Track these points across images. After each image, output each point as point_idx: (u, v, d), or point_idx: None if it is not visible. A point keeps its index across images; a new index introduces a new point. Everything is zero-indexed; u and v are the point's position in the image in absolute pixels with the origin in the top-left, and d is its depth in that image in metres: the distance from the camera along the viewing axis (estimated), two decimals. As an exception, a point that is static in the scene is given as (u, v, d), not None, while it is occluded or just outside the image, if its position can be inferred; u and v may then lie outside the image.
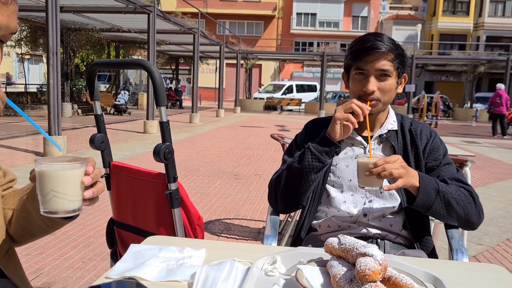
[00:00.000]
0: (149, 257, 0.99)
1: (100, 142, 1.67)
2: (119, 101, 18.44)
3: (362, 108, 1.46)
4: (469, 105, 27.87)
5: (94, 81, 1.63)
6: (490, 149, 12.04)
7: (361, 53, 1.54)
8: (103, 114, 1.71)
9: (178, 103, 25.73)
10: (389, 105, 1.66)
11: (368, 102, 1.50)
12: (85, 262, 3.27)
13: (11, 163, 6.72)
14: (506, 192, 6.43)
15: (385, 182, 1.45)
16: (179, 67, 29.44)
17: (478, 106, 26.76)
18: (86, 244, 3.64)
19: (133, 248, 1.04)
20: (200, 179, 6.31)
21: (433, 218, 1.59)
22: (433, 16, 36.60)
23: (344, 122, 1.48)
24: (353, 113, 1.47)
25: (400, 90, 1.63)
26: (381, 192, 1.58)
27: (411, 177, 1.43)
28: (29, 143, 9.06)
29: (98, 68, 1.58)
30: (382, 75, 1.54)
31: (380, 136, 1.64)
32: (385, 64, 1.53)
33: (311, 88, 30.44)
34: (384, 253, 1.55)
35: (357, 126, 1.49)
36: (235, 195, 5.48)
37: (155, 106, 1.40)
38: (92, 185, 0.98)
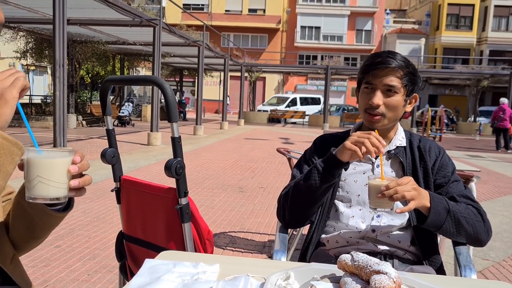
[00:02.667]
0: (164, 272, 1.01)
1: (111, 157, 1.69)
2: (123, 112, 18.54)
3: (378, 147, 1.41)
4: (472, 119, 27.89)
5: (107, 97, 1.66)
6: (494, 163, 12.01)
7: (370, 67, 1.57)
8: (114, 129, 1.74)
9: (182, 115, 25.83)
10: (398, 122, 1.68)
11: (383, 148, 1.44)
12: (91, 274, 3.27)
13: (14, 174, 6.74)
14: (511, 207, 6.41)
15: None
16: (183, 79, 29.62)
17: (482, 120, 26.77)
18: (91, 256, 3.65)
19: (148, 263, 1.05)
20: (205, 192, 6.31)
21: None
22: (437, 30, 36.78)
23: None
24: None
25: (408, 109, 1.64)
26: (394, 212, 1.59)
27: (423, 198, 1.43)
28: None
29: (111, 84, 1.61)
30: (389, 90, 1.56)
31: (388, 152, 1.65)
32: (393, 80, 1.55)
33: (315, 101, 30.52)
34: (393, 269, 1.56)
35: (364, 160, 1.49)
36: (240, 208, 5.48)
37: (167, 120, 1.41)
38: (80, 176, 1.00)
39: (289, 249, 3.80)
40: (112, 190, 1.81)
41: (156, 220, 1.66)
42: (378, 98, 1.55)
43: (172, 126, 1.50)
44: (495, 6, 35.41)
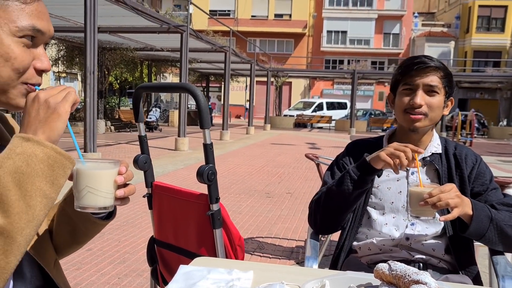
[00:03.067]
0: (199, 278, 1.01)
1: (143, 163, 1.71)
2: (150, 118, 18.81)
3: (409, 161, 1.39)
4: (505, 123, 27.15)
5: (140, 104, 1.68)
6: (528, 168, 11.64)
7: (410, 67, 1.55)
8: (147, 135, 1.76)
9: (208, 120, 25.97)
10: (434, 128, 1.65)
11: (417, 161, 1.43)
12: (121, 278, 3.32)
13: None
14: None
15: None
16: (210, 85, 29.88)
17: (515, 124, 26.03)
18: (121, 260, 3.70)
19: (182, 269, 1.06)
20: (232, 197, 6.33)
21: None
22: (467, 33, 36.03)
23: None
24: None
25: (446, 112, 1.62)
26: (436, 220, 1.56)
27: (466, 206, 1.40)
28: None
29: (143, 91, 1.63)
30: (430, 91, 1.54)
31: (423, 159, 1.62)
32: (434, 80, 1.53)
33: (341, 106, 30.31)
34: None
35: (398, 173, 1.47)
36: (267, 214, 5.47)
37: (194, 125, 1.43)
38: (124, 186, 1.03)
39: (318, 255, 3.77)
40: (144, 196, 1.83)
41: (188, 226, 1.68)
42: (421, 98, 1.53)
43: (204, 133, 1.51)
44: (528, 7, 34.47)
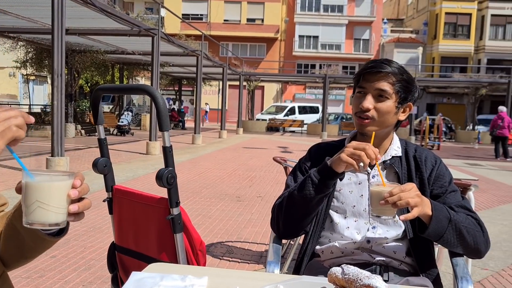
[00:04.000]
0: (151, 285, 0.98)
1: (103, 166, 1.67)
2: (122, 122, 18.55)
3: (373, 160, 1.39)
4: (471, 127, 27.93)
5: (99, 106, 1.64)
6: (493, 171, 11.99)
7: (364, 71, 1.57)
8: (106, 138, 1.72)
9: (180, 124, 25.85)
10: (394, 132, 1.66)
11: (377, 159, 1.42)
12: (86, 285, 3.24)
13: (14, 183, 6.72)
14: (510, 216, 6.38)
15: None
16: (182, 88, 29.67)
17: (481, 128, 26.82)
18: (87, 267, 3.61)
19: (134, 276, 1.03)
20: (202, 201, 6.28)
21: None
22: (434, 39, 36.94)
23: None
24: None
25: (402, 117, 1.62)
26: (395, 221, 1.56)
27: (425, 206, 1.41)
28: (32, 163, 9.08)
29: (102, 93, 1.59)
30: (381, 95, 1.55)
31: (384, 162, 1.63)
32: (385, 85, 1.54)
33: (313, 110, 30.58)
34: (388, 280, 1.53)
35: (360, 172, 1.47)
36: (237, 218, 5.45)
37: (159, 129, 1.40)
38: (79, 200, 0.97)
39: (286, 259, 3.77)
40: (104, 200, 1.79)
41: (148, 231, 1.64)
42: (368, 102, 1.54)
43: (163, 135, 1.48)
44: (492, 15, 35.61)
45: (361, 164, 1.39)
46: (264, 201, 6.49)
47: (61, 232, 1.09)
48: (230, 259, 3.99)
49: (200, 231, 4.80)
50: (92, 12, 9.65)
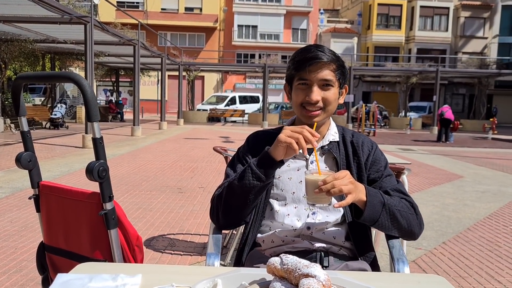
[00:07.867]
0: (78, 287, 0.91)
1: (27, 161, 1.56)
2: (55, 114, 17.67)
3: (311, 141, 1.37)
4: (403, 114, 29.25)
5: (20, 96, 1.52)
6: (424, 155, 12.62)
7: (304, 63, 1.53)
8: (30, 131, 1.60)
9: (119, 116, 25.09)
10: (330, 117, 1.66)
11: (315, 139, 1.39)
12: (17, 288, 3.05)
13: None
14: (441, 197, 6.74)
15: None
16: (120, 79, 28.74)
17: (412, 114, 28.17)
18: (18, 269, 3.40)
19: (60, 278, 0.95)
20: (143, 194, 6.12)
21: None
22: (368, 30, 38.16)
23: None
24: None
25: (341, 101, 1.64)
26: (332, 208, 1.57)
27: (359, 192, 1.42)
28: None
29: (23, 81, 1.47)
30: (325, 85, 1.54)
31: (322, 147, 1.63)
32: (328, 74, 1.53)
33: (254, 99, 30.72)
34: (328, 266, 1.54)
35: (298, 153, 1.45)
36: (179, 210, 5.36)
37: (87, 119, 1.31)
38: None
39: (229, 249, 3.75)
40: (30, 198, 1.67)
41: (80, 228, 1.55)
42: (317, 94, 1.53)
43: (92, 126, 1.39)
44: (421, 6, 37.30)
45: (300, 151, 1.37)
46: (206, 192, 6.42)
47: None
48: (172, 252, 3.91)
49: (140, 225, 4.67)
50: (17, -2, 9.07)
